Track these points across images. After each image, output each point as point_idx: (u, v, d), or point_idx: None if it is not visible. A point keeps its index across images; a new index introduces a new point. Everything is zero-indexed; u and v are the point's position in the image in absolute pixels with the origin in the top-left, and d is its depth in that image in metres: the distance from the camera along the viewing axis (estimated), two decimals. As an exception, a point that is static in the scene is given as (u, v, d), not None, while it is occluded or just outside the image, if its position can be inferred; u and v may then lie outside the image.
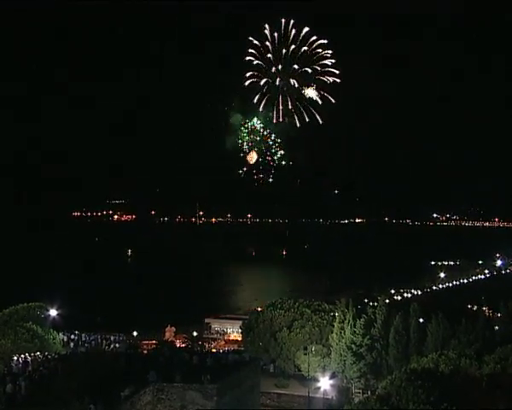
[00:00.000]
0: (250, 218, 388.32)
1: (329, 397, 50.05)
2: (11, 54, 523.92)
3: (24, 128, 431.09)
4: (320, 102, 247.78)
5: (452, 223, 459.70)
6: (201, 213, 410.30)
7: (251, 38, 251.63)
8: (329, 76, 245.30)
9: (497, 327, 57.17)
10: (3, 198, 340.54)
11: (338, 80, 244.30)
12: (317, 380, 51.61)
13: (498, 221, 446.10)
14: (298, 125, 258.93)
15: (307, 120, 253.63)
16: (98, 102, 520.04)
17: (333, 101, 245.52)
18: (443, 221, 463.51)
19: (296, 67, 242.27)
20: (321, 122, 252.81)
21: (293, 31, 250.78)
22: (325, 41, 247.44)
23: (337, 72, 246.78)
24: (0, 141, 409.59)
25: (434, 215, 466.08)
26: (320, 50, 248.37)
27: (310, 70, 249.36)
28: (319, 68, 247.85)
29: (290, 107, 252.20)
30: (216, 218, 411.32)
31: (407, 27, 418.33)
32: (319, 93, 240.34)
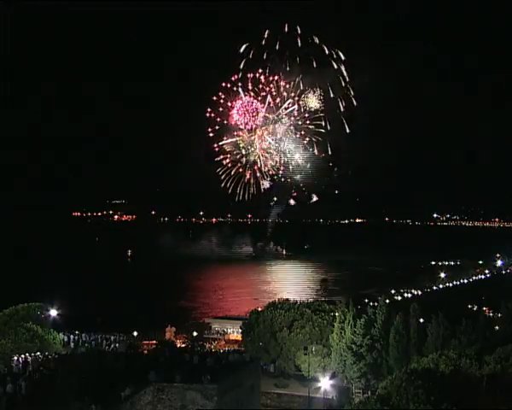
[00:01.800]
0: (250, 218, 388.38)
1: (330, 397, 50.04)
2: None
3: (24, 128, 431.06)
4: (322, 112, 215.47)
5: (452, 223, 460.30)
6: (201, 213, 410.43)
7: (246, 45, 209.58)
8: (345, 99, 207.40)
9: (497, 327, 57.14)
10: (3, 199, 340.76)
11: (355, 103, 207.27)
12: (317, 380, 51.55)
13: (498, 221, 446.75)
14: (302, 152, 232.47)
15: (316, 152, 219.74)
16: (98, 103, 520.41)
17: (347, 130, 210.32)
18: (443, 221, 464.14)
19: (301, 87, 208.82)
20: (330, 153, 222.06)
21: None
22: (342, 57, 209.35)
23: (352, 92, 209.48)
24: (1, 141, 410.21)
25: (434, 215, 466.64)
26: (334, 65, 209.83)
27: (319, 90, 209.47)
28: (332, 92, 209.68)
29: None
30: (216, 218, 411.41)
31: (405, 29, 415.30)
32: (322, 103, 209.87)
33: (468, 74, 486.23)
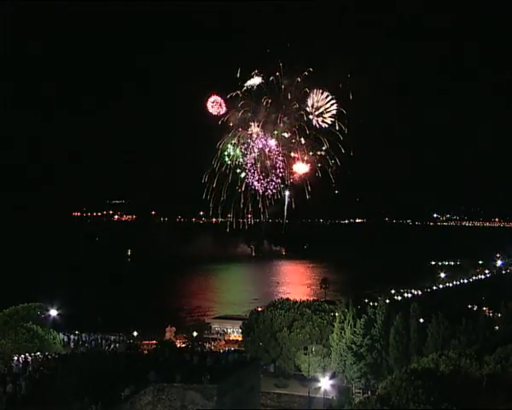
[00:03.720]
0: (250, 218, 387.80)
1: (330, 397, 49.97)
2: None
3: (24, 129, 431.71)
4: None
5: (452, 223, 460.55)
6: (201, 213, 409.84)
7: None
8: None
9: (497, 327, 57.13)
10: (3, 199, 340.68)
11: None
12: (317, 380, 51.50)
13: (498, 221, 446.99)
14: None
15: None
16: (98, 106, 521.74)
17: (351, 154, 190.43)
18: (443, 221, 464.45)
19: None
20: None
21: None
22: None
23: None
24: (1, 141, 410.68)
25: (434, 215, 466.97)
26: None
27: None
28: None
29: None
30: (216, 218, 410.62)
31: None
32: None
33: (468, 73, 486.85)
